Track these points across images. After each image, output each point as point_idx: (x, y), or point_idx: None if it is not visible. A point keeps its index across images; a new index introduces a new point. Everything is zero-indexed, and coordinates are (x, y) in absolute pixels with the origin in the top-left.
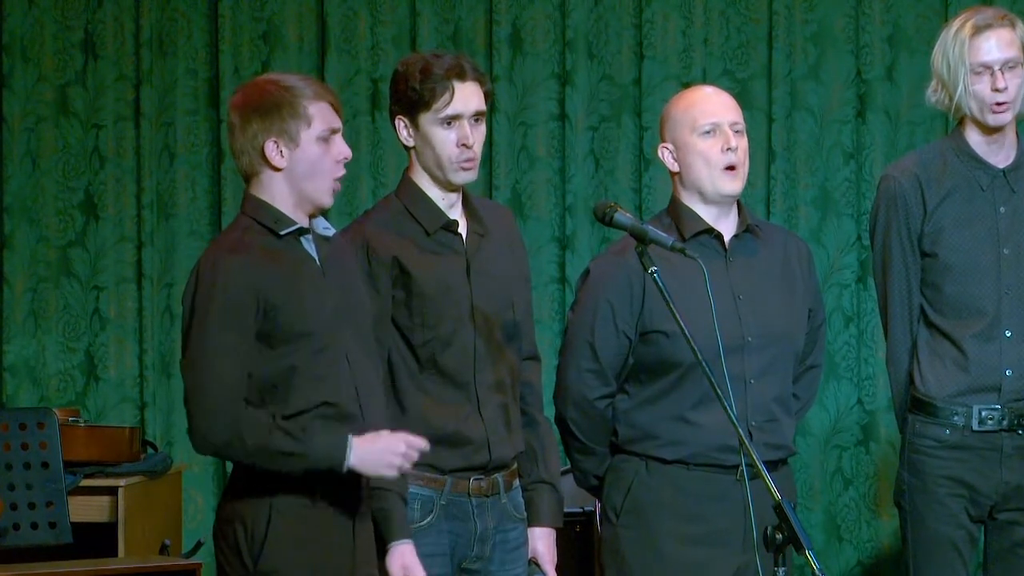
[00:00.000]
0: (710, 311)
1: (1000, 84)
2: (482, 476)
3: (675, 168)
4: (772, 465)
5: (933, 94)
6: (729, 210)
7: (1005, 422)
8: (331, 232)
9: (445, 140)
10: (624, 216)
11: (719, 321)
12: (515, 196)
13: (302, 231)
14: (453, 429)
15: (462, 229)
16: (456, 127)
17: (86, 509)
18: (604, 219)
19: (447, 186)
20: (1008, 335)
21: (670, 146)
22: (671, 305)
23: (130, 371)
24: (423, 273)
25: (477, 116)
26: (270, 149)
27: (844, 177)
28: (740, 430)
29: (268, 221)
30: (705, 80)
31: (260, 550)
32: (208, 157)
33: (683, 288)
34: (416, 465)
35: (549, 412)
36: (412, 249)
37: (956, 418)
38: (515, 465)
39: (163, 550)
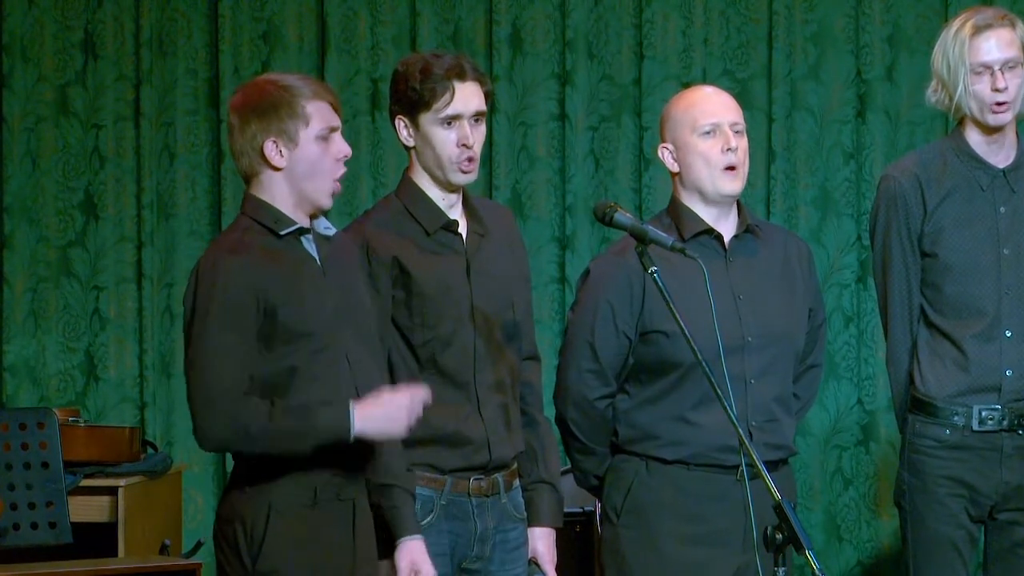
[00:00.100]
0: (710, 311)
1: (1000, 84)
2: (482, 476)
3: (675, 168)
4: (772, 465)
5: (933, 94)
6: (729, 210)
7: (1005, 422)
8: (332, 232)
9: (445, 140)
10: (624, 216)
11: (719, 321)
12: (515, 196)
13: (302, 231)
14: (453, 429)
15: (462, 229)
16: (456, 127)
17: (86, 509)
18: (604, 219)
19: (447, 186)
20: (1008, 335)
21: (670, 146)
22: (671, 305)
23: (130, 371)
24: (423, 273)
25: (477, 116)
26: (269, 149)
27: (844, 177)
28: (740, 430)
29: (268, 221)
30: (705, 80)
31: (259, 550)
32: (208, 157)
33: (683, 288)
34: (416, 465)
35: (549, 412)
36: (412, 249)
37: (956, 418)
38: (515, 465)
39: (163, 550)
